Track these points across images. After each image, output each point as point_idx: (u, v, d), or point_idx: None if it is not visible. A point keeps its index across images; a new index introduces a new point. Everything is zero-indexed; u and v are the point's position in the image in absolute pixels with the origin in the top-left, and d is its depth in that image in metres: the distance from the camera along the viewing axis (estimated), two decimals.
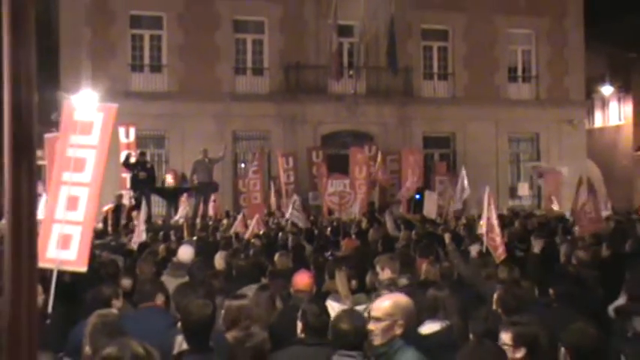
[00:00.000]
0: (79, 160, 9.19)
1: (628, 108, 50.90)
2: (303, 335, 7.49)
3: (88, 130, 9.42)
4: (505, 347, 6.29)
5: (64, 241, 9.70)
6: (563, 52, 42.99)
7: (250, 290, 10.11)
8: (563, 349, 6.05)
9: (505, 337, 6.38)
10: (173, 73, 37.62)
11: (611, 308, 10.38)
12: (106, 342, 5.14)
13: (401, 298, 6.80)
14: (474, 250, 15.49)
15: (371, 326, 6.43)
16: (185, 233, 21.02)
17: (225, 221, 25.55)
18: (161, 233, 20.89)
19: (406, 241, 17.75)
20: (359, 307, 9.59)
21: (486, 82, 41.54)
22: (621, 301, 10.43)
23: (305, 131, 37.98)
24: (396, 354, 6.26)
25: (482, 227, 15.63)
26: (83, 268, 9.79)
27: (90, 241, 9.97)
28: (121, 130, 29.74)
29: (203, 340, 6.88)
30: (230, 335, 7.77)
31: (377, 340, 6.37)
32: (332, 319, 7.15)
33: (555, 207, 33.33)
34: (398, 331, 6.37)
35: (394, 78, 38.58)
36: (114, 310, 8.40)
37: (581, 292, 10.49)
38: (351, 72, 38.96)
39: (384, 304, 6.58)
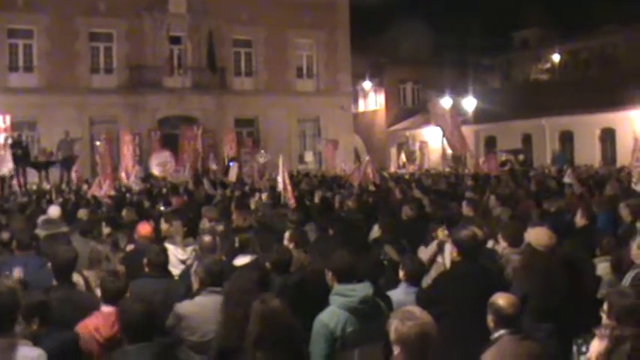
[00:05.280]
0: None
1: (381, 97, 52.51)
2: (147, 269, 7.39)
3: None
4: None
5: None
6: (336, 57, 43.60)
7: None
8: (330, 272, 6.10)
9: None
10: (42, 72, 36.49)
11: (369, 239, 10.65)
12: None
13: None
14: (264, 196, 15.77)
15: None
16: (53, 196, 20.35)
17: (85, 186, 24.81)
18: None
19: (221, 197, 17.74)
20: (189, 247, 9.59)
21: (280, 78, 41.76)
22: (376, 233, 10.72)
23: (145, 116, 37.34)
24: None
25: (279, 185, 15.83)
26: None
27: None
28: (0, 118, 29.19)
29: (67, 276, 6.66)
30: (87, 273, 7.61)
31: None
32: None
33: (332, 168, 34.01)
34: None
35: (212, 75, 38.45)
36: None
37: (350, 229, 10.74)
38: (180, 71, 38.96)
39: None
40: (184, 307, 6.47)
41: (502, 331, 5.34)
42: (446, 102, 43.76)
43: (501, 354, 5.18)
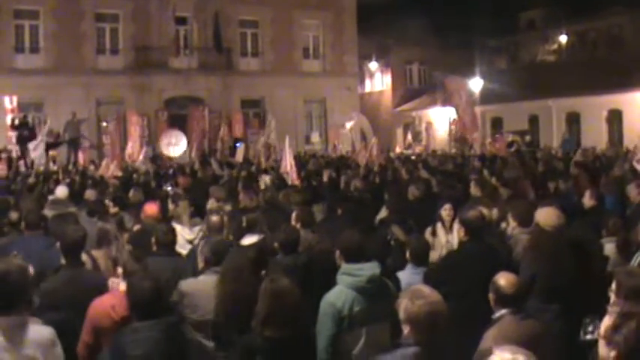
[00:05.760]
0: None
1: (387, 78, 52.32)
2: (155, 248, 7.39)
3: None
4: None
5: None
6: (342, 37, 43.54)
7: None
8: (338, 251, 6.11)
9: None
10: (48, 53, 36.35)
11: (376, 219, 10.64)
12: None
13: None
14: (267, 179, 15.80)
15: None
16: (60, 176, 20.38)
17: (92, 167, 24.84)
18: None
19: (228, 177, 17.76)
20: (196, 228, 9.59)
21: (287, 59, 41.68)
22: (383, 214, 10.70)
23: (151, 97, 37.30)
24: None
25: (282, 165, 15.89)
26: None
27: None
28: (6, 99, 29.67)
29: (76, 256, 6.65)
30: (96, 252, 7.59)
31: None
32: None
33: (337, 149, 34.03)
34: None
35: (218, 56, 38.40)
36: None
37: (358, 208, 10.72)
38: (186, 51, 38.85)
39: None
40: (187, 284, 6.49)
41: (503, 311, 5.36)
42: None
43: (502, 334, 5.17)
